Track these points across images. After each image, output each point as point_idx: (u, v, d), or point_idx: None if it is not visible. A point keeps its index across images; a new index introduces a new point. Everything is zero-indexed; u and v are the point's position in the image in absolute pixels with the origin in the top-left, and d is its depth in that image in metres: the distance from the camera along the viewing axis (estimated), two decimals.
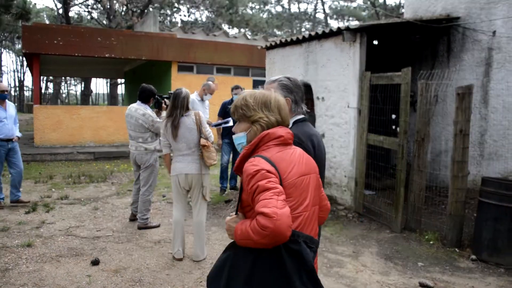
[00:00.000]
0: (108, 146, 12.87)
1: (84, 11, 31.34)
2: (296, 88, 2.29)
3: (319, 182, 1.94)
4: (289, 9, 36.78)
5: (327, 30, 6.62)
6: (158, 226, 5.48)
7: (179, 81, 13.71)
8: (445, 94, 7.10)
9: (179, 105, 4.29)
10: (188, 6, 27.65)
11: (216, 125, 6.63)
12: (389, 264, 4.47)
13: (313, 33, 7.01)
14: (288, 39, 7.69)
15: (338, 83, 6.60)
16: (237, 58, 14.70)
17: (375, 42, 8.21)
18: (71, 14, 27.17)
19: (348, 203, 6.41)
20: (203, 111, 6.70)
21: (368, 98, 6.04)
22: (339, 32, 6.32)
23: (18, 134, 6.36)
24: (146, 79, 17.12)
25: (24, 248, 4.60)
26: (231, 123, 6.77)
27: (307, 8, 39.23)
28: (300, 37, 7.34)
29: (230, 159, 7.27)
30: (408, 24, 6.45)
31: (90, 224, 5.53)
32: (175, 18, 30.62)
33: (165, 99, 5.37)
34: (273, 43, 8.26)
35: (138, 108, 5.35)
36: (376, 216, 5.92)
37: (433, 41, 7.44)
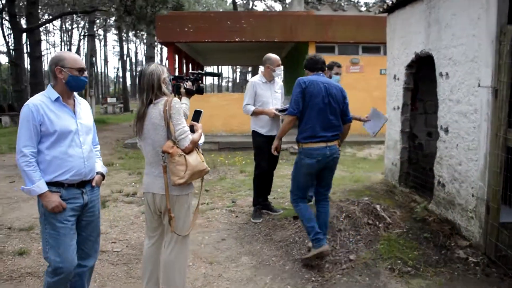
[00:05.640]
0: (239, 136, 12.26)
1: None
2: None
3: None
4: None
5: None
6: None
7: None
8: None
9: (145, 88, 2.91)
10: None
11: (282, 111, 4.95)
12: None
13: None
14: None
15: (466, 49, 4.22)
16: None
17: None
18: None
19: (475, 239, 4.05)
20: (271, 95, 5.09)
21: (510, 70, 3.59)
22: None
23: (101, 169, 2.94)
24: (293, 64, 16.09)
25: (14, 256, 4.00)
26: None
27: None
28: None
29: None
30: None
31: (114, 233, 4.66)
32: None
33: (186, 82, 4.06)
34: (390, 3, 6.06)
35: None
36: None
37: None
